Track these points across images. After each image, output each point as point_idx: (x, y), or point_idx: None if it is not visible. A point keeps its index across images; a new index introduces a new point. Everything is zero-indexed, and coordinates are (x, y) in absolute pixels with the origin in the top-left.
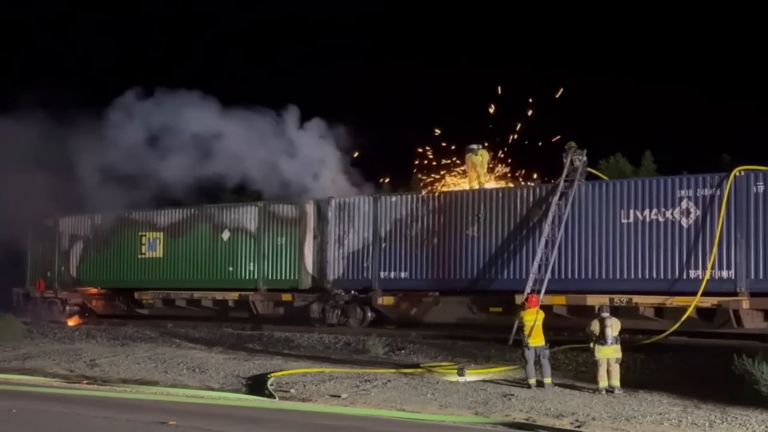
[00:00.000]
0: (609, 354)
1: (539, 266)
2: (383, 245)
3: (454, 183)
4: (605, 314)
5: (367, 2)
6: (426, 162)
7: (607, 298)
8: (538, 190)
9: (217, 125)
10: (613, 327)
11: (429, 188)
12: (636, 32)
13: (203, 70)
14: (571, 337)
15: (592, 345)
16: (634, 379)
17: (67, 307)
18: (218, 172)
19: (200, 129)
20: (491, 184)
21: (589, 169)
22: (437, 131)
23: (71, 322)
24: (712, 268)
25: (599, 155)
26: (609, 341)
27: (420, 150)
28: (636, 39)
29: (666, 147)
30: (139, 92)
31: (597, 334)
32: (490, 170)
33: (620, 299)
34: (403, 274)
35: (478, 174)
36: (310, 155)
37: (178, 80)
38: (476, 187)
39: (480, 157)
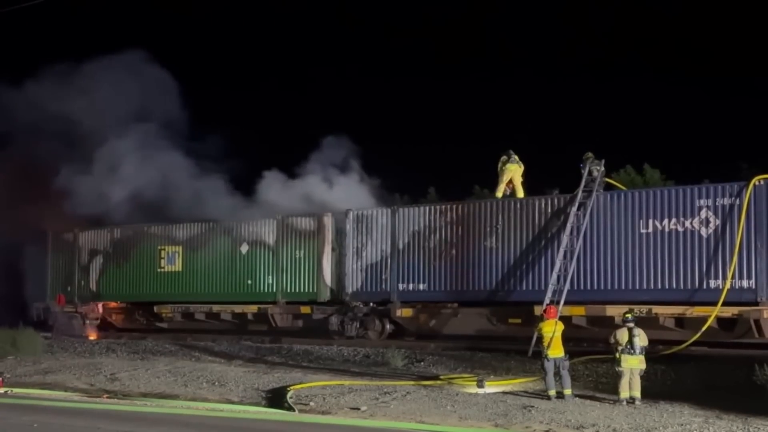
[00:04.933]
0: (634, 365)
1: (558, 277)
2: (401, 257)
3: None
4: (631, 324)
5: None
6: None
7: (626, 308)
8: (556, 200)
9: None
10: (641, 337)
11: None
12: (648, 35)
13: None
14: (590, 348)
15: (617, 355)
16: (655, 389)
17: (87, 321)
18: None
19: None
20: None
21: (607, 179)
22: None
23: (91, 337)
24: (733, 277)
25: (616, 165)
26: (637, 351)
27: None
28: (649, 43)
29: (680, 156)
30: None
31: (623, 343)
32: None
33: (640, 309)
34: (421, 286)
35: (513, 186)
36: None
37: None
38: (500, 196)
39: (517, 165)
